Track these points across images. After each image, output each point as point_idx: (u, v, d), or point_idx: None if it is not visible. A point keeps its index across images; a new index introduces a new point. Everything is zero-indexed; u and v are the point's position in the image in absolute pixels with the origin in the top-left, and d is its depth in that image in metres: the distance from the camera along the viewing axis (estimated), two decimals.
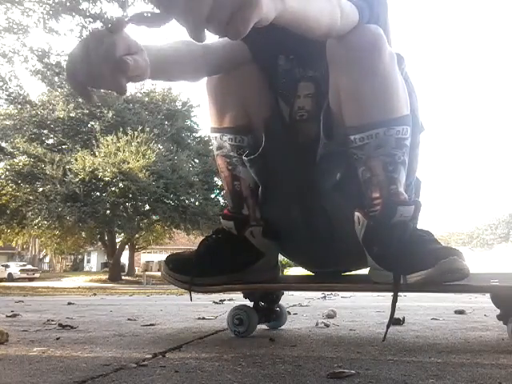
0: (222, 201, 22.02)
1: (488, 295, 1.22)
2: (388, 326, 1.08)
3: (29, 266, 29.86)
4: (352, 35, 1.08)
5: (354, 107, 1.13)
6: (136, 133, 19.00)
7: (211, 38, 1.27)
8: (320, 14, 0.93)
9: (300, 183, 1.29)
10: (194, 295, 1.34)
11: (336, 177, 1.21)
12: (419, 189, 1.31)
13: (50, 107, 20.72)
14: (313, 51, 1.23)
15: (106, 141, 19.00)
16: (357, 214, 1.17)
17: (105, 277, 24.82)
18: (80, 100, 19.00)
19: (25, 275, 26.89)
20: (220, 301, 3.01)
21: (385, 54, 1.10)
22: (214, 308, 2.46)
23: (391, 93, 1.11)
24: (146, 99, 23.48)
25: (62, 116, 20.35)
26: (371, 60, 1.09)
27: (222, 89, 1.26)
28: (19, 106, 17.96)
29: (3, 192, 19.83)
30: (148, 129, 19.86)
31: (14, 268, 28.12)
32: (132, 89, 22.04)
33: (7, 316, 1.98)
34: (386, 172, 1.12)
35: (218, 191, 22.58)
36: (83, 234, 22.96)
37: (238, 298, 3.05)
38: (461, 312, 2.06)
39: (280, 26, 1.28)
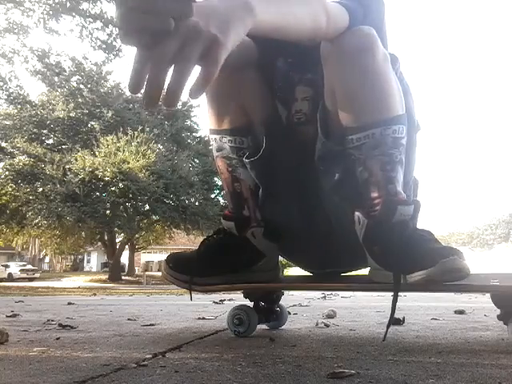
0: (222, 201, 22.03)
1: (488, 295, 1.22)
2: (388, 326, 1.08)
3: (29, 266, 29.86)
4: (344, 36, 1.08)
5: (349, 108, 1.13)
6: (136, 133, 19.01)
7: None
8: (298, 19, 0.92)
9: (300, 185, 1.28)
10: (193, 295, 1.34)
11: (335, 177, 1.20)
12: (417, 188, 1.32)
13: (50, 107, 20.73)
14: (311, 54, 1.23)
15: (106, 141, 19.01)
16: (357, 213, 1.17)
17: (105, 277, 24.83)
18: (80, 100, 19.02)
19: (25, 275, 26.89)
20: (220, 301, 3.00)
21: (378, 54, 1.10)
22: (214, 308, 2.46)
23: (386, 92, 1.11)
24: None
25: (61, 116, 20.36)
26: (364, 60, 1.09)
27: (221, 90, 1.25)
28: (19, 106, 17.99)
29: (3, 192, 19.82)
30: (148, 129, 19.89)
31: (14, 268, 28.12)
32: None
33: (7, 316, 1.98)
34: (384, 171, 1.12)
35: (218, 191, 22.60)
36: (83, 234, 22.96)
37: (238, 298, 3.05)
38: (461, 312, 2.06)
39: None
